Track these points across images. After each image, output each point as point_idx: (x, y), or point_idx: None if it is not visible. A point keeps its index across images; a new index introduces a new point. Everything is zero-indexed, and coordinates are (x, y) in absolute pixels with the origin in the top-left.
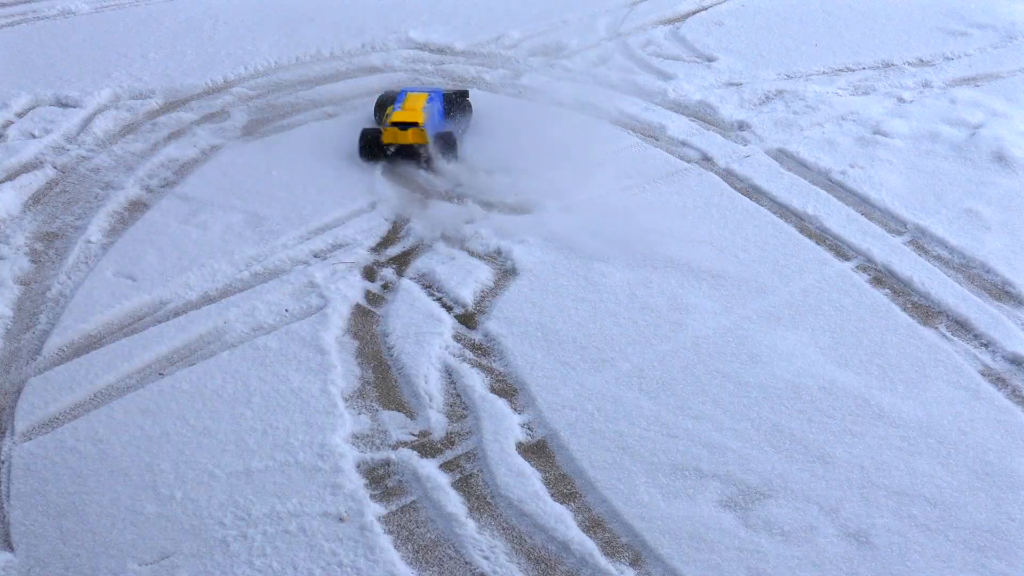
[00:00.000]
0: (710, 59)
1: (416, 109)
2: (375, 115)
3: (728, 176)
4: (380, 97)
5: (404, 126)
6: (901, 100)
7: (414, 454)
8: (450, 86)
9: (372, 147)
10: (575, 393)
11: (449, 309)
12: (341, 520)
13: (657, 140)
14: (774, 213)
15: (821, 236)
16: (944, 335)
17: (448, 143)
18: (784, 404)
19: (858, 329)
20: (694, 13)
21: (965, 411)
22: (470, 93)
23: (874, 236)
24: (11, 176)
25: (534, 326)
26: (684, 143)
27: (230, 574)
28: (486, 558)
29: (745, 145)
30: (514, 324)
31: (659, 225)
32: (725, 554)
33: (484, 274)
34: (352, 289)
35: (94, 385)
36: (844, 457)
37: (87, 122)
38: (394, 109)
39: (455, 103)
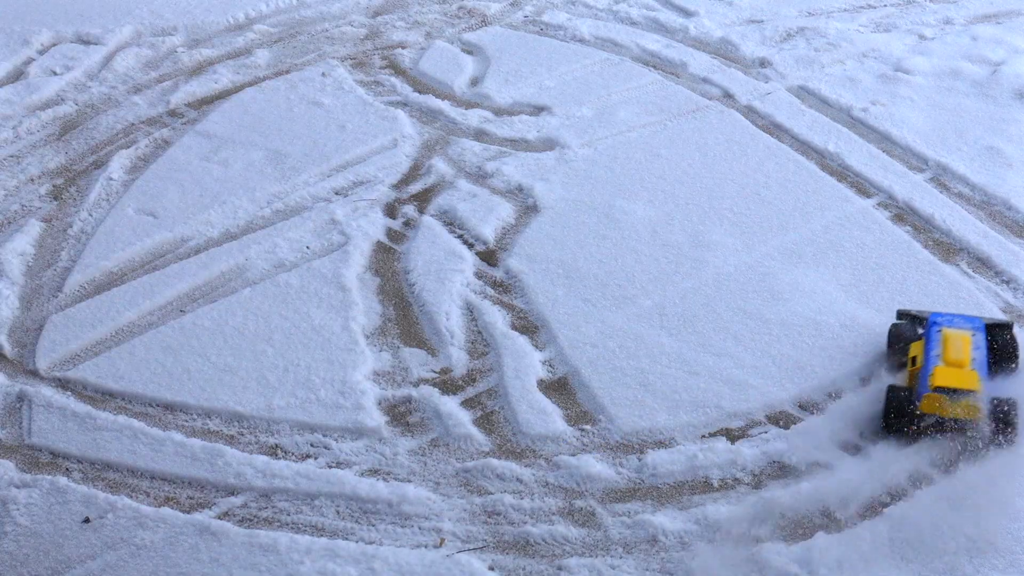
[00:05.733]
0: None
1: (965, 364)
2: (889, 351)
3: (749, 113)
4: (896, 326)
5: (956, 394)
6: (922, 37)
7: (435, 391)
8: (985, 315)
9: (901, 415)
10: (596, 330)
11: (470, 246)
12: None
13: (678, 77)
14: (795, 150)
15: (842, 173)
16: (965, 272)
17: (1006, 420)
18: (805, 341)
19: (879, 266)
20: None
21: None
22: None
23: (895, 173)
24: (32, 112)
25: (555, 263)
26: (705, 80)
27: None
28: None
29: (766, 82)
30: (535, 261)
31: (681, 162)
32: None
33: (505, 211)
34: (373, 226)
35: (115, 322)
36: None
37: (108, 59)
38: (928, 356)
39: (1000, 343)
